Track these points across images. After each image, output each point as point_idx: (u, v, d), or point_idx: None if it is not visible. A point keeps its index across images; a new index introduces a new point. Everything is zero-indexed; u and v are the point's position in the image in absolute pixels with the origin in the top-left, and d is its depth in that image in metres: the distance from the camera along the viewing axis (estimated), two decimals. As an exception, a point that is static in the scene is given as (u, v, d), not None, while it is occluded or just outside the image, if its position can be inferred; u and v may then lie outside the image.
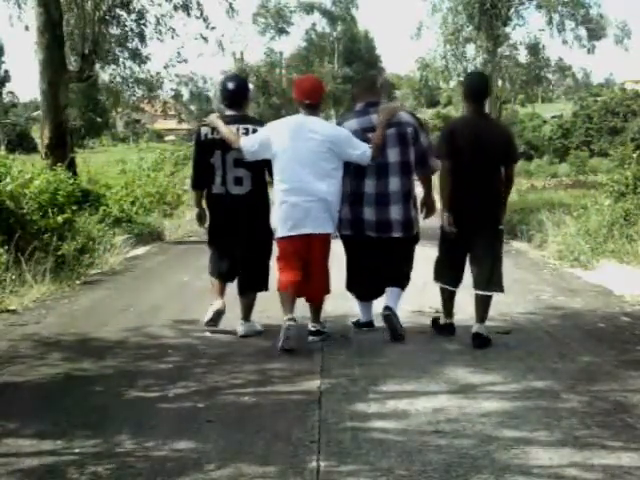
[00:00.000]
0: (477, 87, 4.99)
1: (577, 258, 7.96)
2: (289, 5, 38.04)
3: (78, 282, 7.24)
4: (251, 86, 35.77)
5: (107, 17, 13.39)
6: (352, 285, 5.13)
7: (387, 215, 4.84)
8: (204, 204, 5.22)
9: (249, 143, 4.75)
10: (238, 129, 4.87)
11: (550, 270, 7.90)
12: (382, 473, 2.84)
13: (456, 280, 4.97)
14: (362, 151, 4.68)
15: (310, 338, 4.86)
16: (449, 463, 2.91)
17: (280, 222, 4.75)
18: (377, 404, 3.62)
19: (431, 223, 5.35)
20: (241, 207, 4.93)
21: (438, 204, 5.00)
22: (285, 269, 4.75)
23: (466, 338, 4.90)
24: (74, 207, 8.31)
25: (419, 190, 5.19)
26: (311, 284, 4.75)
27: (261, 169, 4.92)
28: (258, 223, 5.00)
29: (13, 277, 6.43)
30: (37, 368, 4.34)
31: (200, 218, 5.30)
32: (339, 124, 5.00)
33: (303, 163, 4.65)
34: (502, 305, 5.91)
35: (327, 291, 4.89)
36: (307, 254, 4.72)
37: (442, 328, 5.06)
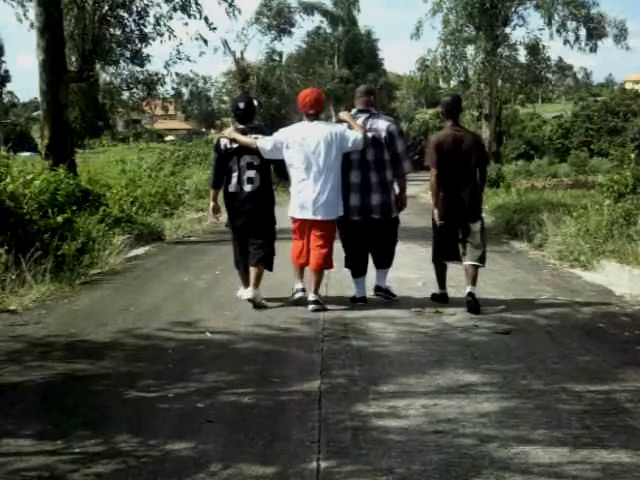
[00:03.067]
0: (453, 107, 6.09)
1: (577, 258, 7.95)
2: (291, 5, 37.92)
3: (78, 282, 7.23)
4: (253, 84, 35.87)
5: (107, 17, 13.37)
6: (347, 262, 6.18)
7: (368, 201, 5.91)
8: (220, 200, 6.36)
9: (265, 145, 5.86)
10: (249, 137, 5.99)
11: (550, 270, 7.90)
12: (382, 473, 2.84)
13: (449, 258, 5.99)
14: (354, 137, 5.79)
15: (310, 307, 5.78)
16: (449, 463, 2.92)
17: (294, 205, 5.93)
18: (377, 404, 3.63)
19: (422, 224, 6.00)
20: (252, 200, 6.00)
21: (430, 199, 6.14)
22: (295, 244, 6.01)
23: (466, 339, 4.92)
24: (74, 207, 8.30)
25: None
26: (314, 258, 5.87)
27: (267, 170, 6.04)
28: (266, 212, 6.07)
29: (13, 277, 6.42)
30: (37, 368, 4.34)
31: (215, 210, 6.43)
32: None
33: (312, 159, 5.78)
34: (502, 305, 5.93)
35: (329, 266, 6.01)
36: (313, 233, 5.88)
37: (437, 297, 6.04)
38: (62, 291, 6.78)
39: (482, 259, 5.90)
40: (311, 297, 5.82)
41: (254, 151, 5.89)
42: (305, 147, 5.78)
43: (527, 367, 4.24)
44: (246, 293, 6.05)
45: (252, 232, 6.05)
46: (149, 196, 13.37)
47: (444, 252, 5.96)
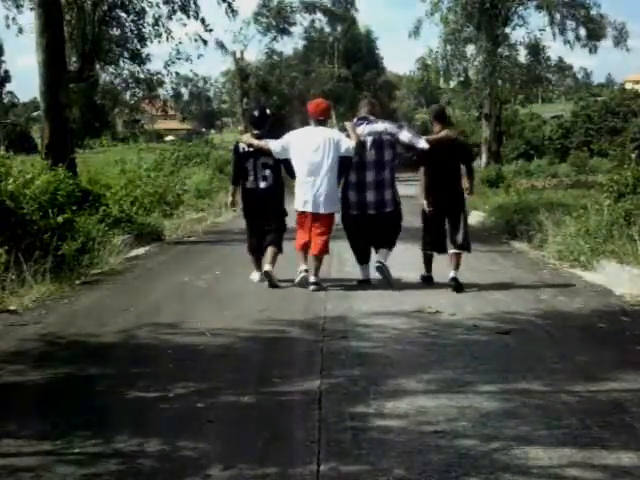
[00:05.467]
0: (439, 114, 7.11)
1: (577, 258, 7.94)
2: (292, 3, 37.85)
3: (78, 282, 7.23)
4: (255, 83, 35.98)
5: (107, 17, 13.37)
6: (354, 252, 6.99)
7: (363, 198, 6.67)
8: (238, 195, 7.34)
9: (276, 146, 6.79)
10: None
11: (550, 270, 7.89)
12: (382, 473, 2.84)
13: (436, 247, 6.80)
14: (347, 145, 6.63)
15: (311, 287, 6.60)
16: (449, 463, 2.92)
17: (298, 200, 6.77)
18: (377, 404, 3.62)
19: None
20: (266, 196, 6.97)
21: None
22: (299, 234, 6.85)
23: (466, 339, 4.92)
24: (74, 207, 8.29)
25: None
26: (315, 244, 6.72)
27: (278, 169, 6.96)
28: (276, 206, 6.99)
29: (13, 277, 6.42)
30: (37, 368, 4.34)
31: (233, 204, 7.46)
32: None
33: (314, 159, 6.63)
34: (502, 305, 5.94)
35: (326, 252, 6.85)
36: (313, 224, 6.72)
37: (424, 279, 6.92)
38: (62, 291, 6.78)
39: (465, 247, 6.73)
40: (312, 279, 6.68)
41: (268, 153, 6.79)
42: (309, 149, 6.64)
43: (527, 367, 4.24)
44: (257, 276, 7.04)
45: (265, 221, 6.99)
46: (149, 196, 13.36)
47: (431, 242, 6.79)
